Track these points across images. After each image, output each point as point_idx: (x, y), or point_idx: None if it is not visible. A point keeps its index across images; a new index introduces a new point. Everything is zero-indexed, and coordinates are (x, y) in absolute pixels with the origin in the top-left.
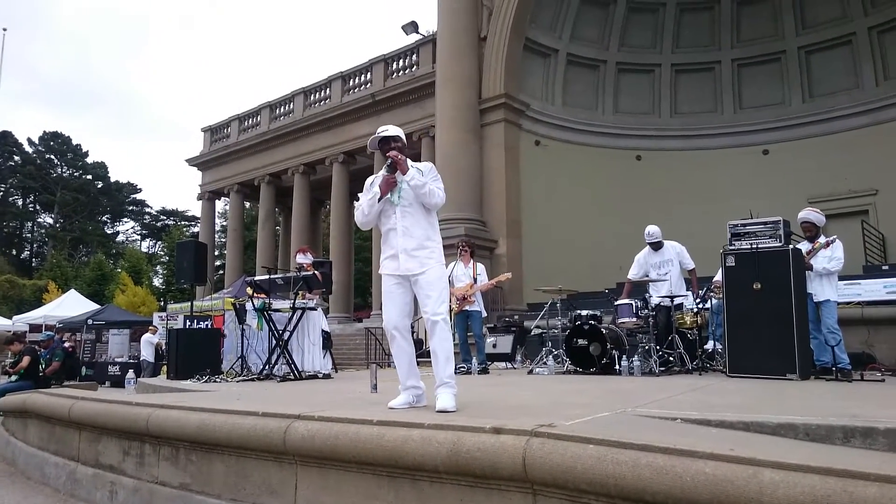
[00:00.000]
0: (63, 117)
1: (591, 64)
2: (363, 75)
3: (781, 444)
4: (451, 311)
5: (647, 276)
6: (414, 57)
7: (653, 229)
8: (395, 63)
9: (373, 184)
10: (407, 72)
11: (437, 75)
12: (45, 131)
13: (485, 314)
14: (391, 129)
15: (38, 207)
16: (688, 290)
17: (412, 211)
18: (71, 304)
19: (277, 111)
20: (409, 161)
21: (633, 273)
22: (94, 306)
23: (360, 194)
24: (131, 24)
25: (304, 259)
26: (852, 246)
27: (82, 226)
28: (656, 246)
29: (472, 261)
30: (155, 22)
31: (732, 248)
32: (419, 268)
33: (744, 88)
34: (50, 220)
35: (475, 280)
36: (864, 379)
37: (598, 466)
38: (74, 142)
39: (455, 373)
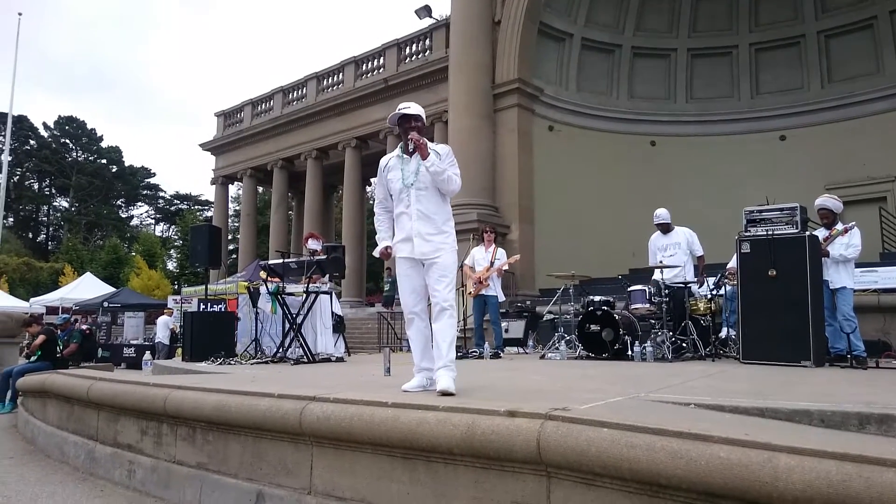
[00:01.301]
0: (75, 102)
1: (606, 48)
2: (376, 60)
3: (796, 430)
4: (468, 293)
5: (662, 262)
6: (427, 42)
7: (661, 211)
8: (408, 48)
9: (387, 167)
10: (420, 56)
11: (451, 60)
12: (60, 116)
13: (502, 298)
14: (413, 107)
15: (53, 191)
16: (695, 276)
17: (427, 194)
18: (87, 287)
19: (290, 96)
20: (428, 144)
21: (651, 261)
22: (109, 289)
23: (373, 179)
24: (142, 7)
25: (315, 245)
26: (870, 233)
27: (97, 209)
28: (665, 228)
29: (493, 245)
30: (167, 5)
31: (748, 234)
32: (433, 252)
33: (761, 73)
34: (65, 204)
35: (492, 264)
36: (880, 366)
37: (612, 450)
38: (89, 126)
39: (468, 356)
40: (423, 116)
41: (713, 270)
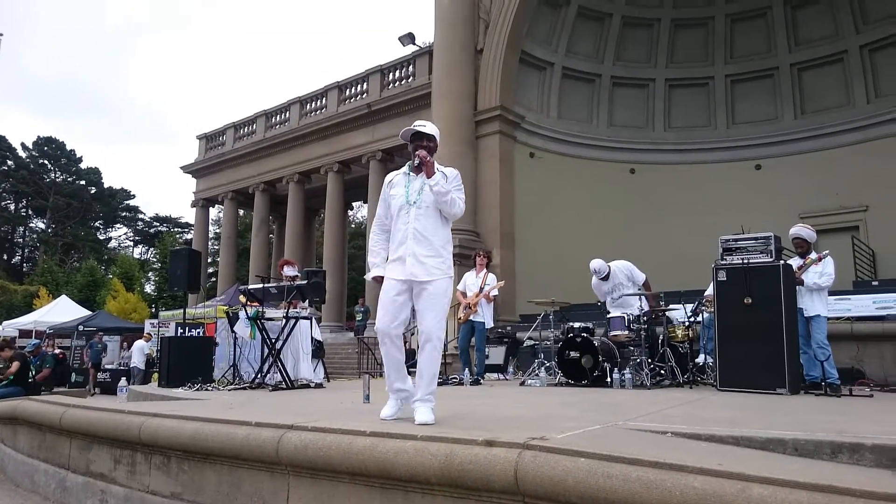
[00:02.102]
0: (54, 121)
1: (587, 77)
2: (359, 85)
3: (770, 459)
4: (458, 319)
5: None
6: (410, 68)
7: (596, 265)
8: (391, 73)
9: (391, 183)
10: (403, 82)
11: (433, 87)
12: (38, 136)
13: (490, 325)
14: (429, 127)
15: (30, 212)
16: (649, 304)
17: (428, 215)
18: (62, 310)
19: (273, 119)
20: (436, 164)
21: (602, 299)
22: (85, 312)
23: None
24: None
25: (291, 271)
26: (843, 261)
27: (74, 231)
28: (604, 277)
29: (485, 270)
30: (147, 26)
31: (724, 262)
32: (426, 276)
33: (737, 103)
34: (42, 226)
35: (481, 290)
36: (853, 394)
37: (588, 480)
38: (68, 147)
39: (447, 383)
40: (437, 139)
41: (690, 297)
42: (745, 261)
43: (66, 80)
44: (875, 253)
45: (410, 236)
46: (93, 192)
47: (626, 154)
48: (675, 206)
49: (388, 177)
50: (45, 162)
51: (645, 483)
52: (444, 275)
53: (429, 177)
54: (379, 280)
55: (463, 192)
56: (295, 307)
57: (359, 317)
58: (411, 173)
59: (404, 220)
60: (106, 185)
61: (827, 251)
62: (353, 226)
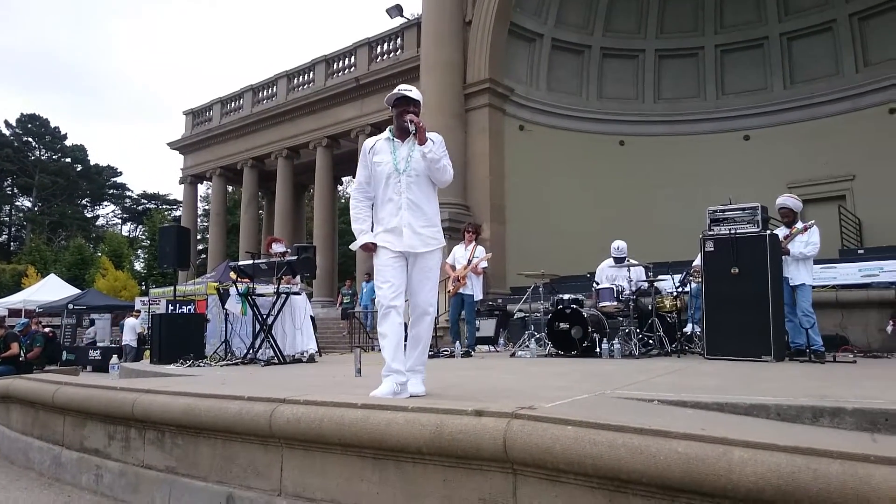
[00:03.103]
0: (35, 97)
1: (576, 49)
2: (347, 59)
3: (752, 424)
4: (448, 291)
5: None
6: (398, 41)
7: (621, 245)
8: (379, 47)
9: (373, 149)
10: (391, 56)
11: (422, 60)
12: (22, 113)
13: (479, 297)
14: (415, 92)
15: (16, 191)
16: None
17: (419, 183)
18: (51, 289)
19: (260, 94)
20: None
21: (601, 284)
22: (74, 291)
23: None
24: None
25: (280, 248)
26: (829, 230)
27: (61, 209)
28: (619, 260)
29: (473, 243)
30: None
31: (711, 233)
32: (424, 247)
33: (726, 74)
34: (28, 204)
35: (469, 262)
36: (837, 361)
37: (575, 447)
38: (53, 124)
39: (439, 356)
40: (421, 104)
41: (678, 268)
42: (733, 231)
43: (43, 55)
44: (861, 222)
45: (404, 206)
46: (79, 169)
47: (615, 126)
48: (664, 177)
49: (369, 142)
50: (30, 139)
51: (630, 449)
52: (438, 244)
53: (422, 143)
54: (370, 247)
55: (448, 157)
56: (287, 283)
57: (346, 299)
58: (396, 139)
59: (395, 188)
60: (92, 163)
61: (812, 221)
62: (342, 201)
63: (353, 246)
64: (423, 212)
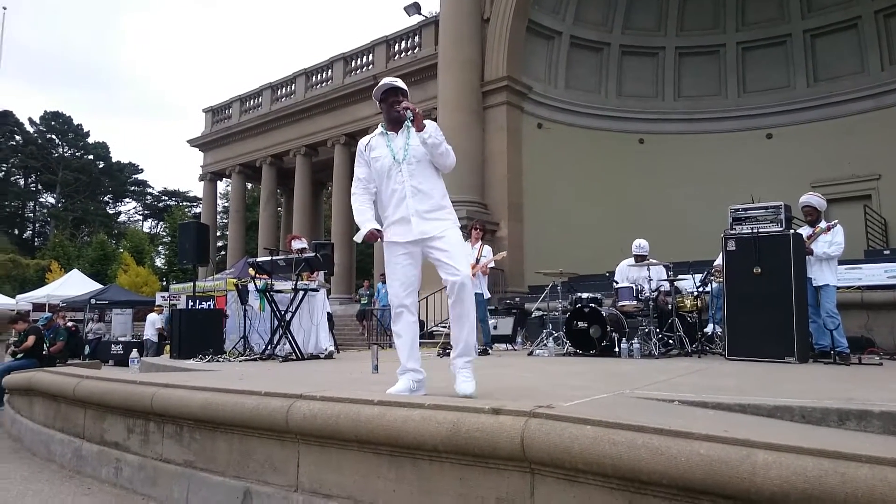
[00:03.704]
0: (59, 95)
1: (595, 46)
2: (365, 57)
3: (776, 426)
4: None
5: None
6: (416, 38)
7: (643, 243)
8: (397, 44)
9: (368, 146)
10: (409, 53)
11: (440, 57)
12: (45, 111)
13: (487, 296)
14: (401, 82)
15: (39, 187)
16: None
17: (421, 168)
18: (74, 284)
19: (279, 92)
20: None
21: (615, 283)
22: (96, 286)
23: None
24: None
25: (301, 244)
26: (854, 230)
27: (84, 206)
28: (640, 259)
29: (479, 242)
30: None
31: (734, 232)
32: (437, 230)
33: (748, 72)
34: (52, 200)
35: (477, 262)
36: (863, 363)
37: (594, 447)
38: (75, 122)
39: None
40: (408, 94)
41: (699, 268)
42: (755, 230)
43: (64, 54)
44: (887, 222)
45: (409, 193)
46: (101, 166)
47: (634, 124)
48: (684, 176)
49: (363, 141)
50: (53, 136)
51: (650, 449)
52: (453, 223)
53: (420, 130)
54: (375, 234)
55: (447, 142)
56: (308, 279)
57: (364, 300)
58: (389, 132)
59: (397, 179)
60: (114, 160)
61: (836, 220)
62: None
63: (357, 237)
64: (429, 196)
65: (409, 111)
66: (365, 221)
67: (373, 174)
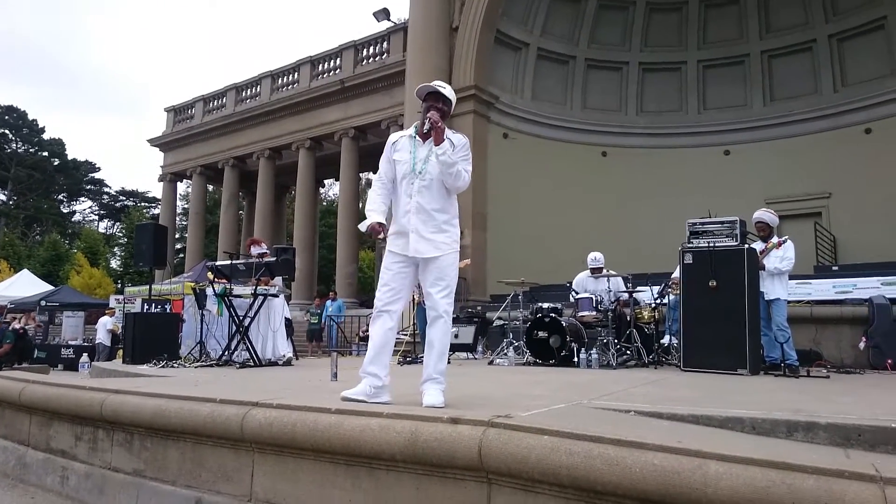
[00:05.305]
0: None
1: (561, 59)
2: (333, 61)
3: (727, 438)
4: (418, 299)
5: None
6: (385, 44)
7: (598, 256)
8: (365, 50)
9: (395, 145)
10: (377, 59)
11: (408, 64)
12: None
13: None
14: (448, 90)
15: None
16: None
17: (431, 188)
18: (23, 285)
19: (244, 94)
20: (447, 131)
21: (574, 293)
22: (47, 287)
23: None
24: None
25: (259, 250)
26: (805, 247)
27: (37, 204)
28: (596, 271)
29: None
30: None
31: (691, 245)
32: (433, 252)
33: (708, 89)
34: (3, 197)
35: None
36: (811, 375)
37: (551, 457)
38: (30, 117)
39: (416, 362)
40: (452, 107)
41: (657, 280)
42: (711, 244)
43: (20, 46)
44: (836, 239)
45: (413, 210)
46: (56, 163)
47: (598, 137)
48: (645, 189)
49: (393, 137)
50: (6, 131)
51: (606, 460)
52: (450, 249)
53: (437, 144)
54: (377, 228)
55: (470, 162)
56: (266, 284)
57: (314, 319)
58: (418, 137)
59: (407, 190)
60: (70, 157)
61: (786, 236)
62: (324, 203)
63: (361, 226)
64: (433, 218)
65: (429, 121)
66: (371, 212)
67: (392, 171)
